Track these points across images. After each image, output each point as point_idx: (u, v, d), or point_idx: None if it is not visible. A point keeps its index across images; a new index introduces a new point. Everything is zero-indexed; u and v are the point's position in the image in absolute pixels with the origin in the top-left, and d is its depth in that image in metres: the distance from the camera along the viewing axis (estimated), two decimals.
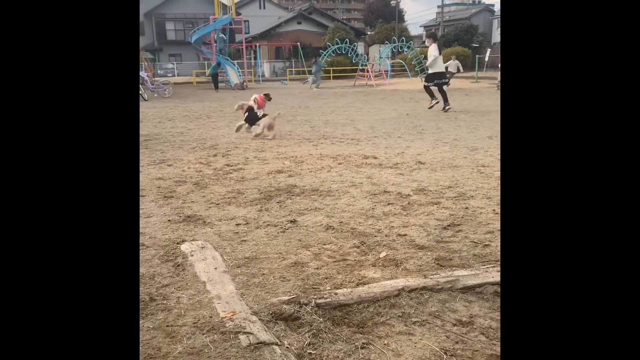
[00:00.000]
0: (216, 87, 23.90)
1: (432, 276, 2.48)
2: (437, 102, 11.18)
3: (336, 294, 2.32)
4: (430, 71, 11.06)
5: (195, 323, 2.14)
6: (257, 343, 1.93)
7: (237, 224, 3.53)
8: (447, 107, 10.93)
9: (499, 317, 2.15)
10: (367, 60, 28.61)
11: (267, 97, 8.27)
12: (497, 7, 54.03)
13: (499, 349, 1.92)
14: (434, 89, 11.24)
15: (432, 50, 10.86)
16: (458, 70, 21.60)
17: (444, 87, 11.14)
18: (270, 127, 7.78)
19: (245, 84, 25.23)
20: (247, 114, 7.93)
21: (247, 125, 7.99)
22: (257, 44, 35.74)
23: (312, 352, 1.94)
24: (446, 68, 16.17)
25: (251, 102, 7.90)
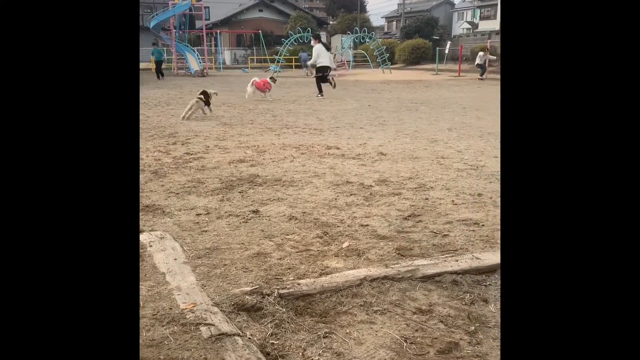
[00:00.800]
0: (159, 76, 21.65)
1: (393, 266, 2.51)
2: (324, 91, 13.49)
3: (299, 284, 2.33)
4: (317, 66, 13.42)
5: (154, 315, 2.10)
6: (219, 334, 1.92)
7: (197, 214, 3.48)
8: (319, 95, 13.19)
9: (457, 305, 2.20)
10: (329, 50, 28.59)
11: (273, 80, 10.64)
12: (458, 0, 54.86)
13: (457, 336, 1.97)
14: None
15: (316, 48, 13.25)
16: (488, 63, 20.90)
17: (329, 78, 13.62)
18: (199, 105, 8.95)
19: (205, 71, 24.79)
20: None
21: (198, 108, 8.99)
22: (218, 31, 35.14)
23: (275, 342, 1.94)
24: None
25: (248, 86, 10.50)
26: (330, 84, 13.86)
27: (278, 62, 25.96)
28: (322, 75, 13.41)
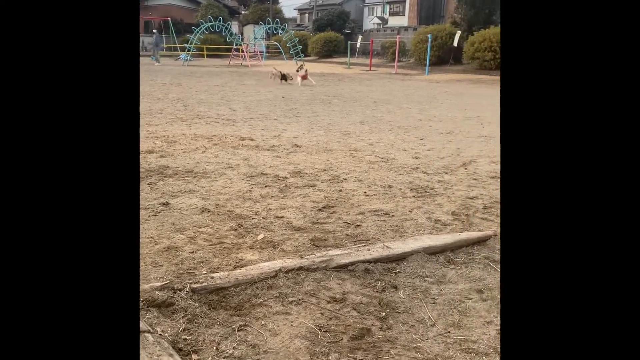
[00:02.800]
0: None
1: (308, 256, 2.54)
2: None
3: (212, 277, 2.29)
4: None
5: None
6: None
7: None
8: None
9: (369, 293, 2.27)
10: (242, 40, 28.18)
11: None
12: None
13: (369, 323, 2.04)
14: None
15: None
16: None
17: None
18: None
19: None
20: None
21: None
22: None
23: (188, 337, 1.89)
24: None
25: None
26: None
27: (189, 50, 25.15)
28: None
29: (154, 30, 23.56)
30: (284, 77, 14.12)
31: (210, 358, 1.79)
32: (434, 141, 6.16)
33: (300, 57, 26.72)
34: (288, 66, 24.57)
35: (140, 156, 4.82)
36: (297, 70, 14.37)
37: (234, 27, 35.34)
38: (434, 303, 2.22)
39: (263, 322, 2.02)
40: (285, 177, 4.27)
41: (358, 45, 28.37)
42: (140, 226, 2.99)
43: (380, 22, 36.87)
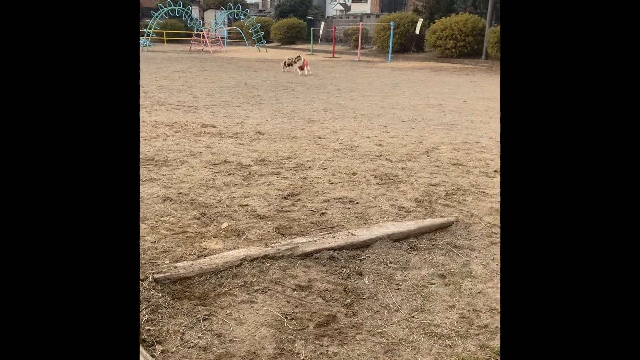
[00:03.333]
0: None
1: (273, 244, 2.53)
2: None
3: (176, 267, 2.25)
4: None
5: None
6: None
7: None
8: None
9: (334, 280, 2.29)
10: (203, 25, 27.63)
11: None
12: None
13: (334, 309, 2.05)
14: None
15: None
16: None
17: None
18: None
19: None
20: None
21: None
22: None
23: (151, 328, 1.87)
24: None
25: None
26: None
27: (148, 35, 24.50)
28: None
29: None
30: (289, 64, 14.27)
31: (174, 348, 1.77)
32: (397, 129, 6.22)
33: (262, 43, 26.43)
34: (249, 52, 24.28)
35: None
36: (295, 62, 14.27)
37: (195, 12, 34.57)
38: (398, 289, 2.26)
39: (228, 311, 2.01)
40: (249, 165, 4.23)
41: (321, 31, 28.24)
42: None
43: (342, 8, 36.79)
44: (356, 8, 34.92)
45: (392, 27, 20.58)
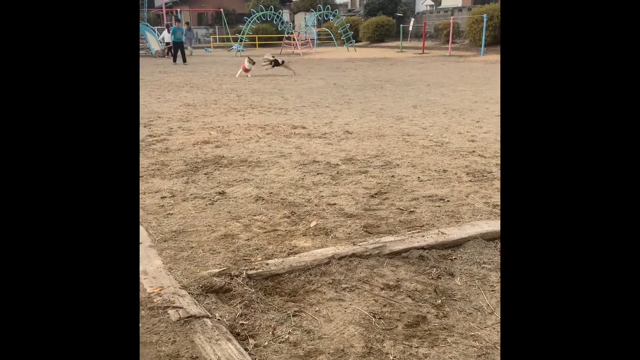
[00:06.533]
0: (175, 59, 18.38)
1: (360, 243, 2.53)
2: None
3: (267, 264, 2.32)
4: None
5: None
6: (187, 317, 1.90)
7: (162, 197, 3.42)
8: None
9: (424, 280, 2.24)
10: (293, 28, 28.24)
11: (250, 61, 12.74)
12: None
13: (424, 310, 2.01)
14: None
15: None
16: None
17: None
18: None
19: (166, 50, 24.15)
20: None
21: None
22: (178, 10, 34.18)
23: (245, 322, 1.94)
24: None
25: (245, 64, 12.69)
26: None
27: (241, 41, 25.50)
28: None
29: (186, 24, 22.76)
30: (276, 63, 13.38)
31: (266, 343, 1.82)
32: (491, 123, 5.97)
33: (351, 42, 26.52)
34: (338, 53, 24.46)
35: (197, 147, 4.95)
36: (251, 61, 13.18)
37: (285, 15, 35.47)
38: (492, 290, 2.16)
39: (317, 308, 2.03)
40: (337, 164, 4.26)
41: (410, 28, 27.82)
42: (198, 215, 3.08)
43: (433, 3, 35.96)
44: (447, 2, 33.94)
45: (484, 19, 19.80)
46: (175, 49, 18.54)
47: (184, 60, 18.29)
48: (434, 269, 2.33)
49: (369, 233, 2.77)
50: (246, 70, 12.92)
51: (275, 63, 13.36)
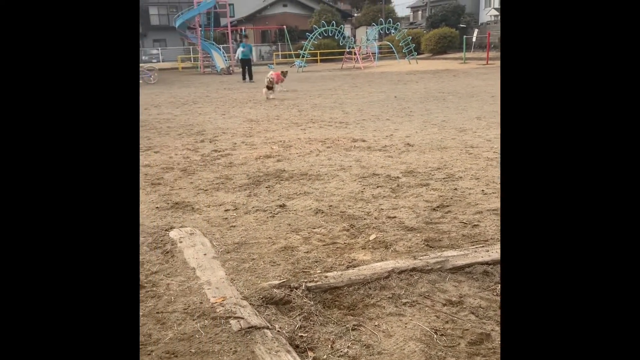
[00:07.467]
0: (244, 77, 18.22)
1: (421, 257, 2.48)
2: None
3: (326, 277, 2.33)
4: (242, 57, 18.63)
5: (185, 309, 2.13)
6: (248, 327, 1.93)
7: (225, 210, 3.51)
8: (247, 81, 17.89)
9: (488, 297, 2.16)
10: (354, 42, 28.40)
11: (284, 73, 12.27)
12: None
13: (488, 328, 1.94)
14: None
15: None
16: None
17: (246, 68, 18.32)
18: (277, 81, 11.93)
19: (231, 68, 24.96)
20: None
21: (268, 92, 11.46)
22: (243, 28, 35.31)
23: (304, 335, 1.94)
24: None
25: (266, 80, 11.68)
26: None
27: (303, 56, 25.92)
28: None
29: (242, 41, 22.80)
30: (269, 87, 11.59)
31: (325, 356, 1.82)
32: None
33: (413, 55, 26.33)
34: (399, 65, 24.34)
35: (259, 161, 5.06)
36: (284, 74, 12.37)
37: (347, 30, 35.78)
38: None
39: (376, 323, 2.01)
40: (397, 177, 4.22)
41: (474, 39, 27.29)
42: (259, 227, 3.14)
43: (497, 13, 35.12)
44: None
45: None
46: (243, 66, 18.48)
47: (251, 78, 18.23)
48: (499, 285, 2.24)
49: (430, 247, 2.72)
50: (277, 82, 11.91)
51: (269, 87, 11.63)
